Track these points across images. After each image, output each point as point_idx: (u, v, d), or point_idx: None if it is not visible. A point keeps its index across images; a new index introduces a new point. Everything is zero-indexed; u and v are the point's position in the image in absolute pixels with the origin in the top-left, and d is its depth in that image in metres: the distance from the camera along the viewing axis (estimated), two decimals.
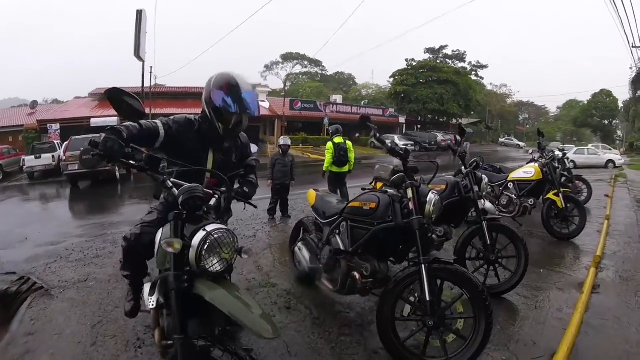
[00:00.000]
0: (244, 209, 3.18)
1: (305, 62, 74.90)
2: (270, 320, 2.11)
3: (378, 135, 3.55)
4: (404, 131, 47.57)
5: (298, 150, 32.67)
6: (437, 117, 50.94)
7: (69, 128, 27.71)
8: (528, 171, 7.47)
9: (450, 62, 60.24)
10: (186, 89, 39.69)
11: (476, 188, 4.65)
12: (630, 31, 30.98)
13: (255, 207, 3.13)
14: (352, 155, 9.19)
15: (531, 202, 7.23)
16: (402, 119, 49.05)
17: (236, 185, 3.18)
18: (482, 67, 64.49)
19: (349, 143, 9.18)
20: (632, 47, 21.32)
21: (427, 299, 2.95)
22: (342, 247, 3.76)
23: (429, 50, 61.55)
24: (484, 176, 4.99)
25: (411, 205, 3.19)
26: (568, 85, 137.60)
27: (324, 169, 9.24)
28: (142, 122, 2.67)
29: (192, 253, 2.18)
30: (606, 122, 66.17)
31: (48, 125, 29.22)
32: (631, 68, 32.21)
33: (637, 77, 30.83)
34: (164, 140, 2.82)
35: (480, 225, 4.54)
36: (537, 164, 7.53)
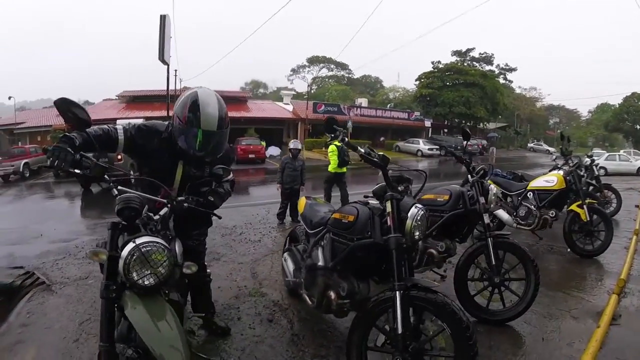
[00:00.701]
0: (214, 217, 3.08)
1: (332, 66, 77.43)
2: (181, 348, 2.03)
3: (346, 139, 3.22)
4: (429, 135, 46.88)
5: (320, 154, 32.62)
6: (463, 121, 50.00)
7: None
8: (550, 180, 6.94)
9: (477, 64, 59.48)
10: None
11: (482, 199, 4.25)
12: None
13: (219, 217, 3.00)
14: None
15: (552, 213, 6.71)
16: (427, 123, 48.27)
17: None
18: (511, 70, 64.04)
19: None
20: None
21: (399, 331, 2.54)
22: (321, 262, 3.39)
23: (456, 53, 60.97)
24: (492, 186, 4.53)
25: (389, 221, 2.78)
26: (601, 87, 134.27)
27: (331, 170, 9.63)
28: (104, 127, 2.73)
29: (120, 264, 2.13)
30: (638, 127, 63.81)
31: None
32: None
33: None
34: (125, 146, 2.80)
35: (485, 241, 4.09)
36: (560, 172, 7.04)
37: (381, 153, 3.09)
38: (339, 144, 8.98)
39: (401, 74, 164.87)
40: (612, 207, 9.67)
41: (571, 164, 7.08)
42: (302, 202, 4.26)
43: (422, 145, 38.37)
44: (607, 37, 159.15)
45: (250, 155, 28.09)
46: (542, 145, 58.61)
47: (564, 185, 6.68)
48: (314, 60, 77.21)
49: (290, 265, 4.20)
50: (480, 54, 61.43)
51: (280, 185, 8.92)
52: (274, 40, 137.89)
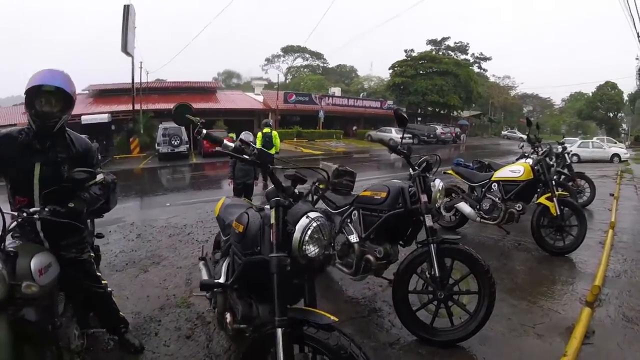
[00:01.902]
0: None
1: (307, 55, 77.05)
2: None
3: (204, 131, 2.72)
4: None
5: (291, 145, 32.17)
6: (437, 110, 49.67)
7: None
8: (516, 169, 6.18)
9: (452, 54, 59.65)
10: (178, 84, 39.73)
11: (425, 197, 3.54)
12: (638, 19, 29.77)
13: (80, 225, 2.70)
14: (277, 141, 12.44)
15: (519, 207, 5.97)
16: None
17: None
18: (486, 59, 64.53)
19: (274, 133, 12.49)
20: (638, 36, 19.99)
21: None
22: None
23: (431, 42, 61.38)
24: (436, 181, 3.80)
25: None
26: (574, 77, 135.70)
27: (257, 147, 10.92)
28: None
29: None
30: (611, 114, 64.32)
31: None
32: (637, 59, 30.37)
33: None
34: None
35: (427, 248, 3.41)
36: (528, 161, 6.32)
37: (253, 146, 2.70)
38: (267, 130, 12.20)
39: (377, 63, 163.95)
40: (585, 196, 9.07)
41: (540, 152, 6.34)
42: (219, 204, 3.65)
43: (394, 134, 37.44)
44: (581, 28, 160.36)
45: (216, 148, 26.28)
46: (515, 133, 58.46)
47: (531, 175, 5.94)
48: (288, 50, 76.68)
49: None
50: (455, 43, 61.92)
51: (232, 180, 8.27)
52: (251, 30, 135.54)
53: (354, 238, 3.98)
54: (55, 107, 2.62)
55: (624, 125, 68.00)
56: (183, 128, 24.36)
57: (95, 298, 3.04)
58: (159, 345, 3.48)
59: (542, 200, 5.71)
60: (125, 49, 26.97)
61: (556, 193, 5.70)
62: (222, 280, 2.82)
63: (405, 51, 52.89)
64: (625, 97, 60.12)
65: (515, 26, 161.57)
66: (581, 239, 5.58)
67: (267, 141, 12.01)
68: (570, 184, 9.00)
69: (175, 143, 24.71)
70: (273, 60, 78.68)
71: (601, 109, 62.83)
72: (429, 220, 3.45)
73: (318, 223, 2.25)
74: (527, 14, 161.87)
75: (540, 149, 6.50)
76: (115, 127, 29.56)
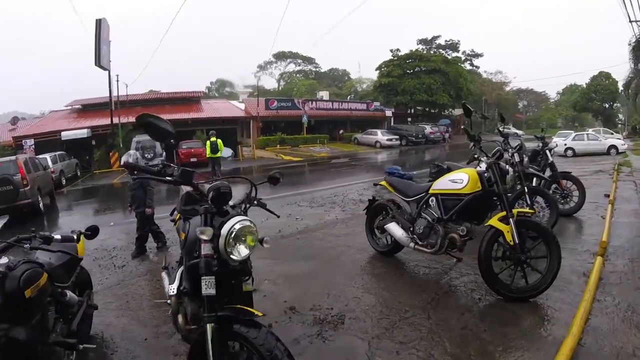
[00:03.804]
0: None
1: (299, 60, 78.06)
2: None
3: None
4: (391, 125, 44.38)
5: (273, 152, 31.61)
6: (427, 109, 48.15)
7: (43, 143, 27.28)
8: (457, 178, 4.44)
9: (444, 52, 58.50)
10: (161, 95, 40.51)
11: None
12: (630, 4, 28.78)
13: None
14: (221, 147, 18.48)
15: (462, 230, 4.31)
16: (389, 113, 45.78)
17: None
18: (477, 55, 63.66)
19: (219, 141, 18.08)
20: (630, 21, 20.29)
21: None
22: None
23: (422, 41, 60.41)
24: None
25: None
26: (568, 69, 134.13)
27: (207, 155, 18.95)
28: None
29: None
30: (607, 105, 62.86)
31: (23, 141, 28.17)
32: (630, 44, 28.54)
33: (638, 43, 26.86)
34: None
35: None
36: (476, 168, 4.42)
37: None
38: (213, 139, 17.82)
39: (372, 65, 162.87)
40: (572, 202, 7.42)
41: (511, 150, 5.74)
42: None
43: (380, 136, 36.18)
44: (574, 18, 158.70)
45: (192, 159, 26.05)
46: (510, 129, 57.03)
47: (478, 186, 4.25)
48: (280, 56, 76.82)
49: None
50: (446, 41, 60.86)
51: (131, 208, 7.01)
52: (245, 37, 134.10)
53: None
54: None
55: (621, 116, 66.84)
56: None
57: None
58: None
59: (494, 222, 4.05)
60: (99, 62, 26.66)
61: (515, 211, 4.07)
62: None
63: (391, 51, 51.38)
64: (621, 88, 58.80)
65: (506, 20, 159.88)
66: (551, 277, 3.92)
67: (214, 147, 17.99)
68: (553, 187, 7.43)
69: (149, 156, 23.24)
70: (265, 67, 78.75)
71: (596, 100, 61.50)
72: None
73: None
74: (516, 7, 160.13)
75: (509, 147, 5.92)
76: (96, 141, 29.31)
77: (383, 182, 5.66)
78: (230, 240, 2.31)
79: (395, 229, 5.08)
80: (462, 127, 6.62)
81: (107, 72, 27.73)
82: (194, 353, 2.35)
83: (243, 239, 2.38)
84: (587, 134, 25.81)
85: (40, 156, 19.69)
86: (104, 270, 6.07)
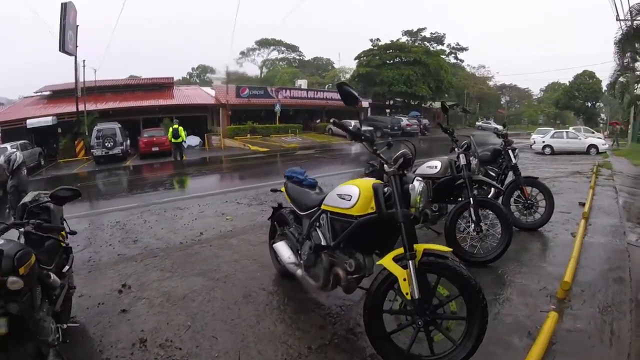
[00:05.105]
0: None
1: (282, 48, 76.96)
2: None
3: None
4: (367, 115, 43.05)
5: (241, 142, 30.28)
6: (406, 101, 46.90)
7: (10, 130, 26.68)
8: (346, 194, 3.19)
9: (428, 44, 58.10)
10: (131, 80, 39.82)
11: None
12: (620, 3, 28.87)
13: None
14: (182, 134, 22.39)
15: (350, 264, 3.15)
16: (365, 103, 44.36)
17: None
18: (462, 49, 64.14)
19: (180, 128, 22.18)
20: (618, 19, 21.06)
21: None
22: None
23: (407, 33, 59.79)
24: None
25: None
26: (552, 66, 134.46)
27: (168, 140, 22.82)
28: None
29: None
30: (589, 104, 62.78)
31: None
32: (615, 39, 27.40)
33: (625, 37, 25.62)
34: None
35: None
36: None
37: None
38: (175, 126, 22.19)
39: (352, 54, 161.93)
40: (537, 214, 6.08)
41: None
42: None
43: (356, 125, 34.90)
44: (561, 16, 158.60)
45: (153, 149, 24.96)
46: (490, 124, 56.27)
47: (372, 206, 2.98)
48: (263, 43, 75.44)
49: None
50: (431, 33, 60.53)
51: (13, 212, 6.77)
52: (227, 23, 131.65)
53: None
54: None
55: (602, 115, 66.64)
56: (117, 129, 23.71)
57: None
58: None
59: (387, 262, 2.75)
60: (64, 48, 25.98)
61: (420, 247, 2.72)
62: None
63: (371, 40, 50.03)
64: (604, 87, 58.50)
65: (494, 15, 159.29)
66: (471, 346, 2.66)
67: (175, 133, 21.92)
68: (516, 194, 6.10)
69: (109, 145, 23.22)
70: (248, 54, 77.02)
71: (579, 98, 61.18)
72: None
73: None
74: (504, 3, 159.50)
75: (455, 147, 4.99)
76: (62, 129, 28.12)
77: (283, 189, 4.32)
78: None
79: (282, 250, 3.98)
80: (438, 122, 5.69)
81: (72, 57, 26.90)
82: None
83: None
84: (567, 132, 24.75)
85: (1, 145, 19.68)
86: None
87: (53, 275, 3.07)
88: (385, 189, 2.90)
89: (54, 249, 3.36)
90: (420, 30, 59.80)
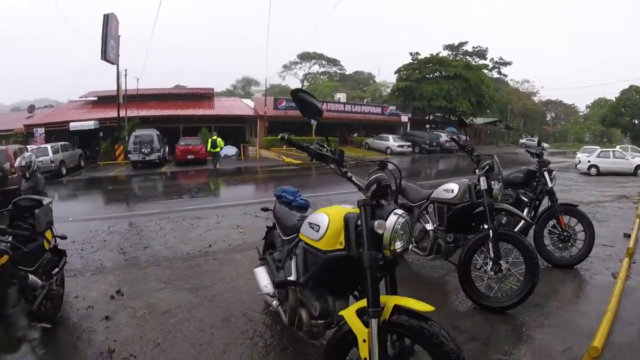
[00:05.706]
0: None
1: (323, 62, 79.14)
2: None
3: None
4: (407, 130, 42.57)
5: (276, 153, 30.92)
6: (445, 116, 45.88)
7: (53, 132, 28.60)
8: (315, 223, 2.74)
9: (470, 59, 56.85)
10: (172, 90, 40.93)
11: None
12: None
13: None
14: (220, 144, 23.97)
15: (314, 308, 2.70)
16: (404, 118, 43.95)
17: None
18: (506, 63, 62.79)
19: (219, 139, 23.82)
20: None
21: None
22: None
23: (448, 47, 59.06)
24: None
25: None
26: (599, 81, 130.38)
27: (207, 149, 24.07)
28: None
29: None
30: (636, 121, 59.77)
31: (34, 129, 29.24)
32: None
33: None
34: None
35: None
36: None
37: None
38: (214, 137, 23.92)
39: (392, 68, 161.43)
40: (574, 247, 5.45)
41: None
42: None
43: (392, 142, 34.40)
44: (606, 32, 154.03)
45: (189, 156, 25.81)
46: (534, 141, 54.52)
47: (340, 242, 2.49)
48: (305, 57, 77.41)
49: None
50: (473, 47, 59.42)
51: None
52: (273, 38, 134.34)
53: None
54: None
55: None
56: (155, 135, 24.73)
57: None
58: None
59: (349, 314, 2.25)
60: (106, 56, 27.33)
61: (391, 300, 2.19)
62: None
63: (411, 54, 48.98)
64: None
65: (539, 29, 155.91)
66: None
67: (213, 143, 23.47)
68: (551, 224, 5.53)
69: (146, 151, 24.24)
70: (290, 67, 79.72)
71: (625, 115, 58.27)
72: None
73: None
74: (549, 17, 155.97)
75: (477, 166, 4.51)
76: (104, 133, 29.73)
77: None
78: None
79: (260, 277, 3.61)
80: (452, 137, 5.91)
81: (115, 66, 28.33)
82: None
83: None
84: (614, 151, 23.54)
85: (42, 146, 21.34)
86: None
87: (32, 276, 3.28)
88: (358, 222, 2.37)
89: (38, 251, 3.59)
90: (462, 44, 58.77)
